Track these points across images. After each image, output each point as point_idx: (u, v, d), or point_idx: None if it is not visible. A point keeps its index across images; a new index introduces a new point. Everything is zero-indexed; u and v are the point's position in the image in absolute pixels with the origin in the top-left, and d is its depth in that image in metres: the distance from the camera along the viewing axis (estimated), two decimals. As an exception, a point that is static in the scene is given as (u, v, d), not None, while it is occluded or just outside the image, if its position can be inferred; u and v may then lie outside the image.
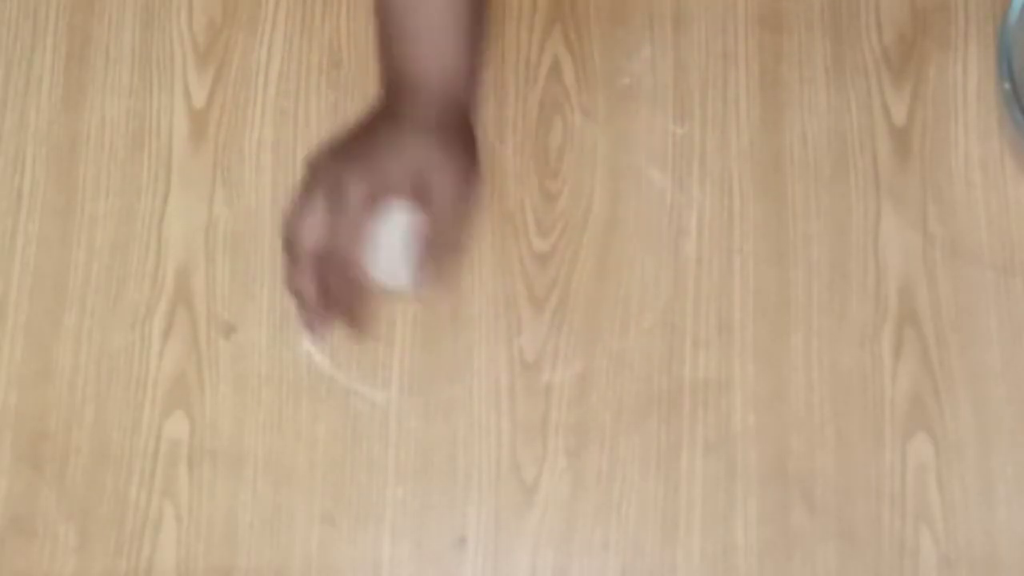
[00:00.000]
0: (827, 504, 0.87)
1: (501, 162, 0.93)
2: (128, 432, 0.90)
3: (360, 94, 0.95)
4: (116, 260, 0.93)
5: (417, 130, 0.86)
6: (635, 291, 0.91)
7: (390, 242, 0.84)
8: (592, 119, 0.94)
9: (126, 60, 0.96)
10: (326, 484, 0.89)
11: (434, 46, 0.88)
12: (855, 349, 0.89)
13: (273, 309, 0.91)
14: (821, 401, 0.88)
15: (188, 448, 0.89)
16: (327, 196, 0.84)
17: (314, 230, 0.83)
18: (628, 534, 0.87)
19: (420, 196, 0.84)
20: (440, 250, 0.87)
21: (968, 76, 0.93)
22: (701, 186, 0.93)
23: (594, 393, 0.89)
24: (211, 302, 0.92)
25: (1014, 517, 0.86)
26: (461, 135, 0.88)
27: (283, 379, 0.90)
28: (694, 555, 0.87)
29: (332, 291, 0.85)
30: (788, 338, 0.90)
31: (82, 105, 0.95)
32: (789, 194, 0.92)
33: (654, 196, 0.92)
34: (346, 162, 0.85)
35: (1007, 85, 0.88)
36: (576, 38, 0.95)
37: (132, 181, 0.94)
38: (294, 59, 0.96)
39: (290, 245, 0.85)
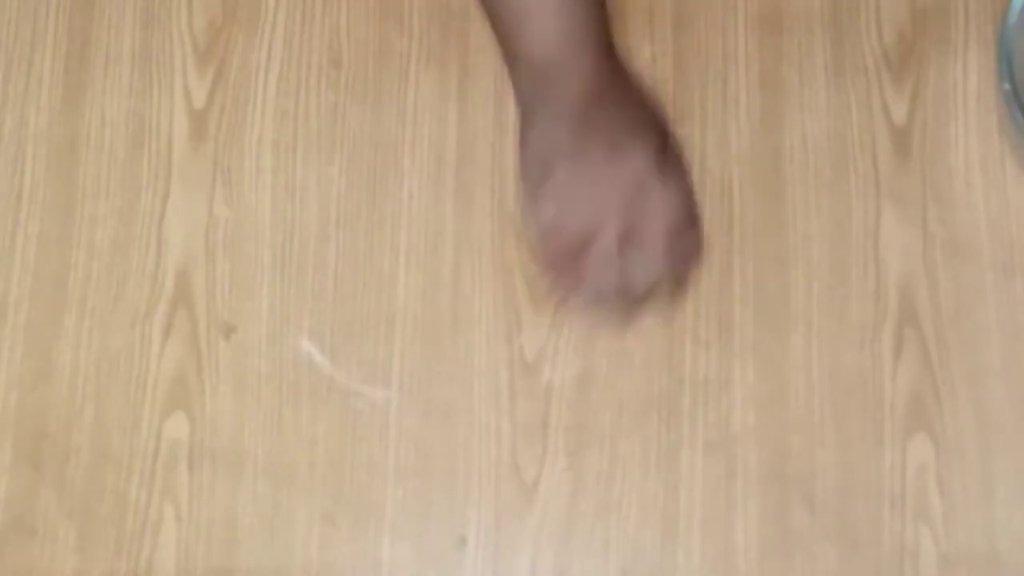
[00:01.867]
0: (827, 504, 0.87)
1: (502, 161, 0.93)
2: (128, 432, 0.90)
3: (360, 94, 0.95)
4: (116, 260, 0.93)
5: (617, 111, 0.84)
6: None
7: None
8: (592, 119, 0.94)
9: (126, 60, 0.96)
10: (326, 484, 0.89)
11: (567, 15, 0.83)
12: (855, 349, 0.89)
13: (273, 309, 0.92)
14: (821, 401, 0.88)
15: (188, 448, 0.89)
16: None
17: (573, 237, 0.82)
18: (628, 534, 0.87)
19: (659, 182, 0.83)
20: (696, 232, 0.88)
21: (968, 76, 0.93)
22: (701, 186, 0.92)
23: (594, 393, 0.89)
24: (211, 302, 0.92)
25: (1014, 517, 0.86)
26: (642, 96, 0.87)
27: (283, 379, 0.90)
28: (694, 555, 0.87)
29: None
30: (788, 338, 0.90)
31: (82, 105, 0.95)
32: (789, 194, 0.92)
33: (654, 196, 0.92)
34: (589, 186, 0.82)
35: (1007, 86, 0.88)
36: (576, 38, 0.95)
37: (132, 181, 0.94)
38: (294, 59, 0.96)
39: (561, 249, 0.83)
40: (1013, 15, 0.88)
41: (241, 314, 0.92)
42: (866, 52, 0.94)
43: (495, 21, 0.86)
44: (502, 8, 0.85)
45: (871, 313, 0.90)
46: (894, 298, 0.90)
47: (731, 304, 0.90)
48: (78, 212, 0.94)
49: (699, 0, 0.95)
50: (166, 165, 0.94)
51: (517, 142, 0.87)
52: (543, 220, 0.84)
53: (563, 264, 0.84)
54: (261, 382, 0.90)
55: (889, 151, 0.92)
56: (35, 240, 0.93)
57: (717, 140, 0.93)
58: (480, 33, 0.94)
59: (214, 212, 0.93)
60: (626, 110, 0.86)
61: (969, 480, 0.87)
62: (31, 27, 0.97)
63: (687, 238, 0.87)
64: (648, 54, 0.95)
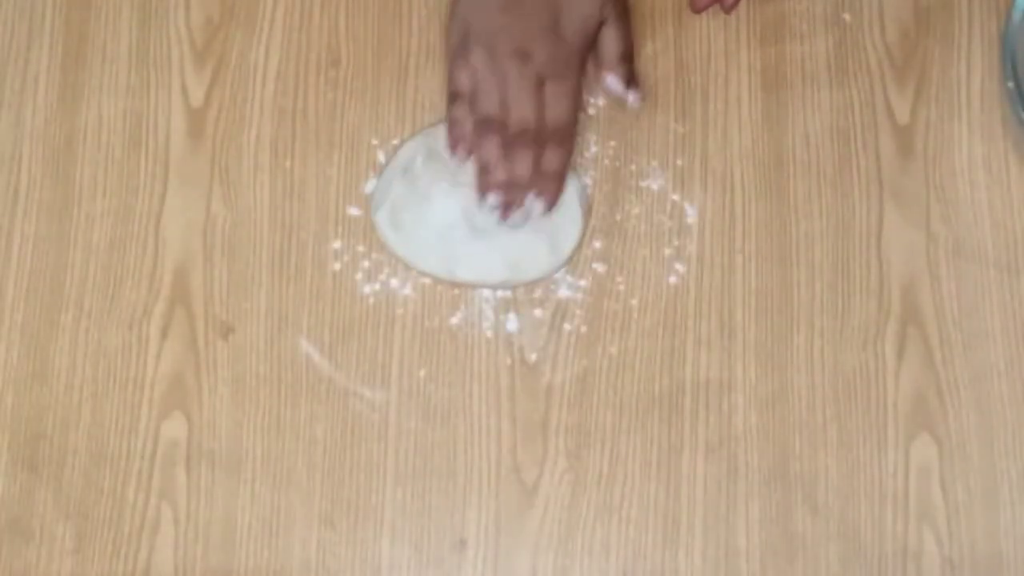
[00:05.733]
0: (829, 506, 0.86)
1: (501, 161, 0.92)
2: (125, 433, 0.89)
3: (359, 92, 0.94)
4: (113, 260, 0.92)
5: None
6: (636, 291, 0.90)
7: None
8: (593, 117, 0.93)
9: (123, 58, 0.95)
10: (325, 486, 0.88)
11: None
12: (858, 349, 0.89)
13: (271, 309, 0.91)
14: (823, 402, 0.88)
15: (186, 449, 0.89)
16: (499, 63, 0.87)
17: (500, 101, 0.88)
18: (629, 536, 0.87)
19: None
20: (630, 60, 0.92)
21: (971, 75, 0.93)
22: (702, 185, 0.92)
23: (595, 394, 0.89)
24: (209, 302, 0.91)
25: (1018, 519, 0.86)
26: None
27: (282, 380, 0.90)
28: (695, 557, 0.86)
29: (525, 164, 0.88)
30: (790, 338, 0.89)
31: (79, 104, 0.95)
32: (791, 193, 0.92)
33: (654, 196, 0.92)
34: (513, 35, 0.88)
35: (1011, 84, 0.87)
36: (577, 36, 0.95)
37: (129, 180, 0.94)
38: (292, 57, 0.95)
39: (481, 114, 0.88)
40: (1017, 13, 0.88)
41: (239, 314, 0.91)
42: (869, 50, 0.93)
43: None
44: None
45: (874, 313, 0.89)
46: (897, 298, 0.90)
47: (733, 304, 0.90)
48: (75, 211, 0.93)
49: (701, -3, 0.95)
50: (163, 164, 0.94)
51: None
52: (452, 88, 0.90)
53: (459, 131, 0.90)
54: (259, 383, 0.90)
55: (892, 150, 0.92)
56: (31, 239, 0.93)
57: (719, 138, 0.93)
58: (480, 31, 0.93)
59: (212, 211, 0.93)
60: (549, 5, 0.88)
61: (972, 481, 0.86)
62: (27, 25, 0.96)
63: (553, 152, 0.89)
64: (650, 51, 0.94)
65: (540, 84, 0.88)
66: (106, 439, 0.89)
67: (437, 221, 0.90)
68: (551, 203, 0.89)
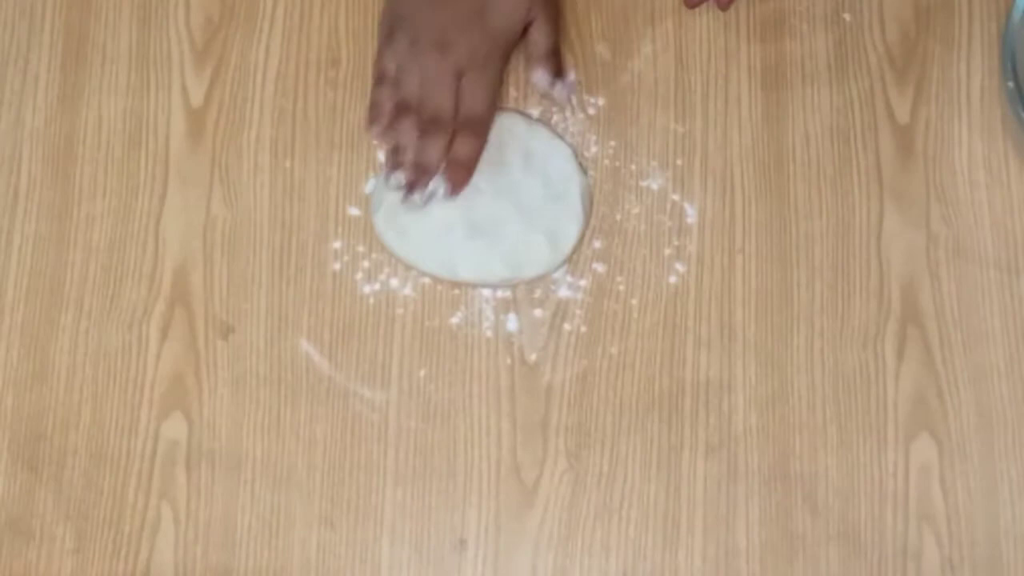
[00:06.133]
0: (830, 506, 0.86)
1: (501, 161, 0.92)
2: (126, 433, 0.89)
3: (359, 92, 0.94)
4: (113, 260, 0.92)
5: None
6: (635, 291, 0.90)
7: None
8: (593, 117, 0.93)
9: (123, 59, 0.95)
10: (325, 486, 0.88)
11: None
12: (858, 349, 0.89)
13: (271, 309, 0.91)
14: (824, 402, 0.88)
15: (186, 449, 0.89)
16: (418, 44, 0.89)
17: (413, 85, 0.90)
18: (629, 536, 0.87)
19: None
20: (557, 55, 0.93)
21: (972, 75, 0.93)
22: (702, 185, 0.92)
23: (595, 394, 0.89)
24: (209, 302, 0.91)
25: (1018, 519, 0.86)
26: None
27: (281, 380, 0.90)
28: (695, 557, 0.86)
29: (435, 150, 0.90)
30: (790, 338, 0.89)
31: (79, 104, 0.95)
32: (791, 193, 0.92)
33: (654, 196, 0.92)
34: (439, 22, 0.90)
35: (1011, 84, 0.87)
36: (577, 35, 0.95)
37: (129, 180, 0.94)
38: (292, 57, 0.95)
39: (399, 98, 0.90)
40: (1017, 13, 0.88)
41: (239, 314, 0.91)
42: (869, 50, 0.93)
43: None
44: None
45: (874, 313, 0.89)
46: (897, 298, 0.89)
47: (732, 304, 0.90)
48: (75, 211, 0.93)
49: (701, -3, 0.95)
50: (163, 164, 0.94)
51: None
52: (377, 70, 0.92)
53: (377, 112, 0.91)
54: (259, 383, 0.90)
55: (892, 149, 0.92)
56: (32, 240, 0.93)
57: (719, 138, 0.93)
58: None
59: (212, 211, 0.93)
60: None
61: (972, 481, 0.86)
62: (27, 25, 0.96)
63: (464, 141, 0.90)
64: (650, 51, 0.94)
65: (459, 75, 0.89)
66: (106, 439, 0.89)
67: (436, 221, 0.90)
68: (456, 189, 0.90)
